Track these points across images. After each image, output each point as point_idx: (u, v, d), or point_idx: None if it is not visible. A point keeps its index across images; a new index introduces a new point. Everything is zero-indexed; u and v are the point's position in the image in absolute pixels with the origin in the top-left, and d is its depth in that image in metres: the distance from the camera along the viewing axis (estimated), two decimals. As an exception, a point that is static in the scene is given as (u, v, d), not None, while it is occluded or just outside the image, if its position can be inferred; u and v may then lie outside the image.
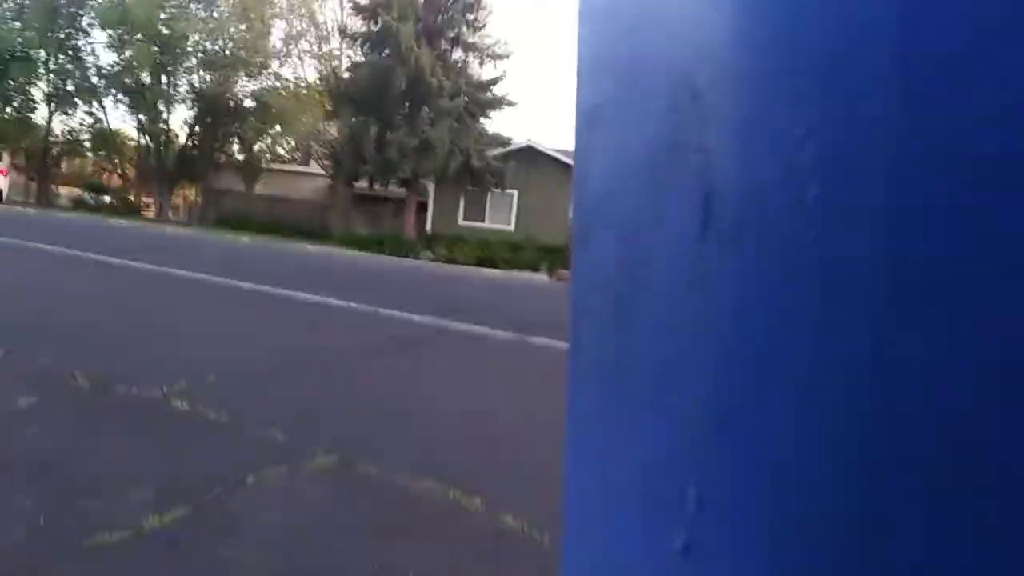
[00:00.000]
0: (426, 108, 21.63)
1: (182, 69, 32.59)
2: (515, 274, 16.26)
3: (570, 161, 21.98)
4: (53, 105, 33.90)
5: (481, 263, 18.35)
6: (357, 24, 25.03)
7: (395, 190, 25.58)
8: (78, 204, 32.66)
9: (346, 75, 25.10)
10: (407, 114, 22.31)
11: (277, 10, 30.67)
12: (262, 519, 2.00)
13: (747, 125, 0.27)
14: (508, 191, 24.10)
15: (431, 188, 24.71)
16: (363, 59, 23.95)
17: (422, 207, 25.11)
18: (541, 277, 16.19)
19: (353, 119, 22.73)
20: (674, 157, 0.30)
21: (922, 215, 0.24)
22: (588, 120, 0.40)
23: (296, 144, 33.39)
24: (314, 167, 31.24)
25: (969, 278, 0.23)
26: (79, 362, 3.38)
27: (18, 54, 32.00)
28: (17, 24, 31.80)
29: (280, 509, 2.08)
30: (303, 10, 28.70)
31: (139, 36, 30.70)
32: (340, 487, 2.28)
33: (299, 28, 29.33)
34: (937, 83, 0.23)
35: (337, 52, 27.78)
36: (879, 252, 0.24)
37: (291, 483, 2.27)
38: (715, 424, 0.28)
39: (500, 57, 24.72)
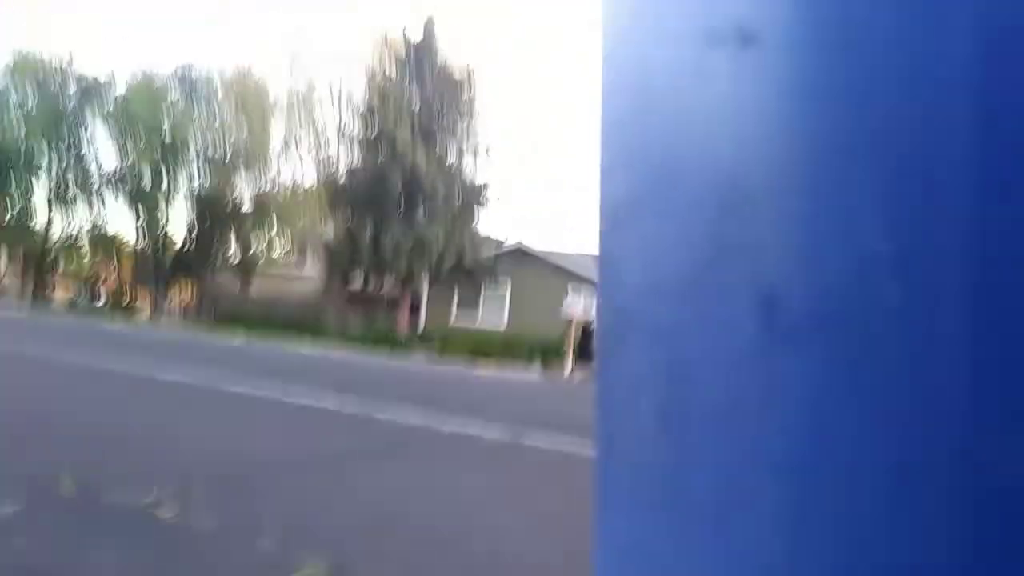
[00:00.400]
0: (421, 209, 22.05)
1: (183, 173, 33.28)
2: (508, 372, 16.18)
3: (558, 262, 22.20)
4: (52, 208, 34.39)
5: (474, 356, 18.30)
6: (355, 127, 25.79)
7: (389, 290, 25.77)
8: (72, 306, 32.69)
9: (343, 178, 25.68)
10: (402, 214, 22.72)
11: (276, 114, 31.59)
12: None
13: (813, 220, 0.26)
14: (500, 292, 24.30)
15: (425, 288, 24.91)
16: (361, 161, 24.55)
17: (415, 307, 25.25)
18: (532, 376, 16.11)
19: (350, 219, 23.12)
20: (724, 255, 0.29)
21: (1008, 311, 0.22)
22: (616, 218, 0.38)
23: (293, 246, 33.76)
24: (309, 271, 31.50)
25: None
26: (64, 467, 3.28)
27: (22, 160, 32.71)
28: (22, 131, 32.64)
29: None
30: (302, 114, 29.57)
31: (142, 142, 31.53)
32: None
33: (297, 133, 30.13)
34: (1017, 173, 0.22)
35: (334, 155, 28.44)
36: (964, 350, 0.22)
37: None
38: (785, 547, 0.25)
39: (487, 154, 25.37)
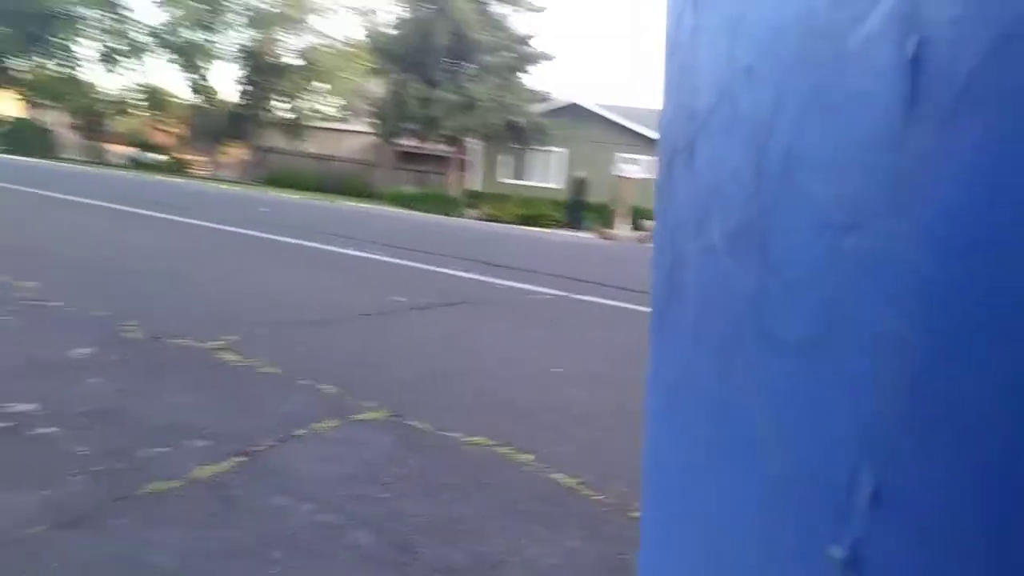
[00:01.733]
0: (468, 64, 21.39)
1: (231, 27, 32.70)
2: (560, 231, 16.13)
3: (616, 118, 21.63)
4: (103, 64, 34.36)
5: (525, 221, 18.25)
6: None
7: (440, 147, 25.52)
8: (131, 162, 33.27)
9: (390, 31, 24.92)
10: (450, 70, 22.11)
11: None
12: (314, 471, 1.99)
13: None
14: (552, 148, 23.87)
15: (476, 146, 24.61)
16: (406, 14, 23.72)
17: (466, 165, 25.05)
18: (585, 235, 16.04)
19: (396, 76, 22.63)
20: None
21: None
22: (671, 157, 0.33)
23: (342, 103, 33.48)
24: (360, 126, 31.31)
25: None
26: (132, 313, 3.42)
27: (64, 14, 32.41)
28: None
29: (331, 461, 2.07)
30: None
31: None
32: (388, 440, 2.27)
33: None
34: None
35: (380, 7, 27.54)
36: None
37: (340, 436, 2.26)
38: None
39: (538, 10, 24.32)
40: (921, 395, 0.19)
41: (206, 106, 32.77)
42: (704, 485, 0.29)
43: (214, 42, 32.33)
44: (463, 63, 21.87)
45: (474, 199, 21.02)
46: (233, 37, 32.75)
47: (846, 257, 0.21)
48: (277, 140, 32.61)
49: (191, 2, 30.45)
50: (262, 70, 32.12)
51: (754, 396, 0.25)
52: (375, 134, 27.76)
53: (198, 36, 31.86)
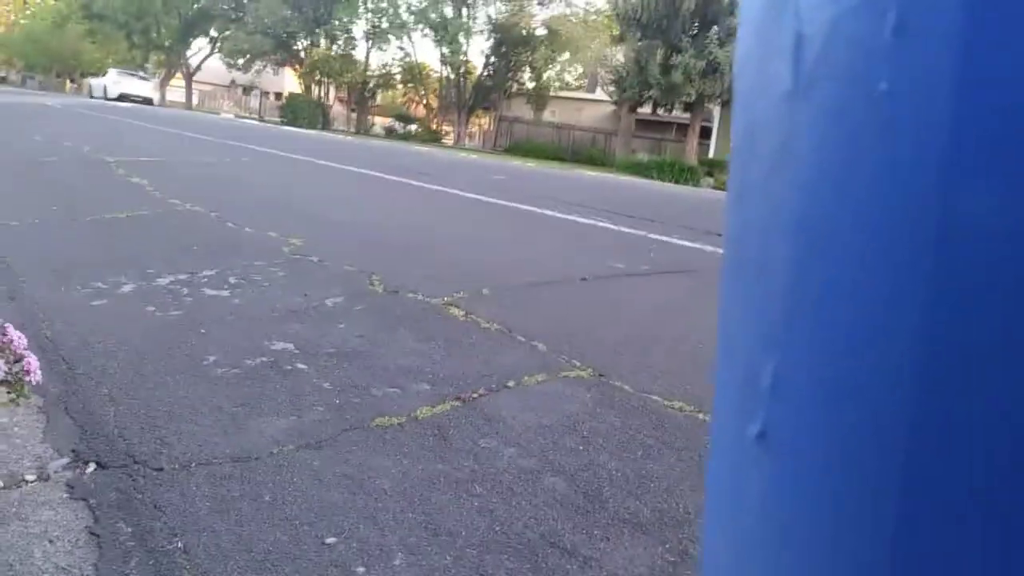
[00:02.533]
0: (715, 27, 20.58)
1: (480, 1, 34.10)
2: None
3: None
4: (370, 42, 37.37)
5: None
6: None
7: (679, 115, 24.98)
8: (389, 132, 36.09)
9: (634, -2, 24.63)
10: (695, 36, 21.45)
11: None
12: (520, 419, 2.14)
13: None
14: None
15: (716, 113, 23.79)
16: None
17: (706, 132, 24.31)
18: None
19: (639, 43, 22.38)
20: None
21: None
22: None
23: (583, 71, 33.82)
24: (600, 95, 31.45)
25: None
26: (376, 269, 3.80)
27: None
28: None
29: (536, 411, 2.20)
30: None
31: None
32: (591, 397, 2.36)
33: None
34: None
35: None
36: None
37: (547, 390, 2.39)
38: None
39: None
40: (799, 315, 0.23)
41: (455, 79, 34.58)
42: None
43: (468, 18, 33.92)
44: (709, 27, 21.14)
45: (712, 167, 20.39)
46: (482, 11, 34.19)
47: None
48: (521, 110, 33.74)
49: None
50: (509, 42, 33.24)
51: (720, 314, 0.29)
52: (615, 102, 27.77)
53: (453, 12, 33.59)
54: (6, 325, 1.64)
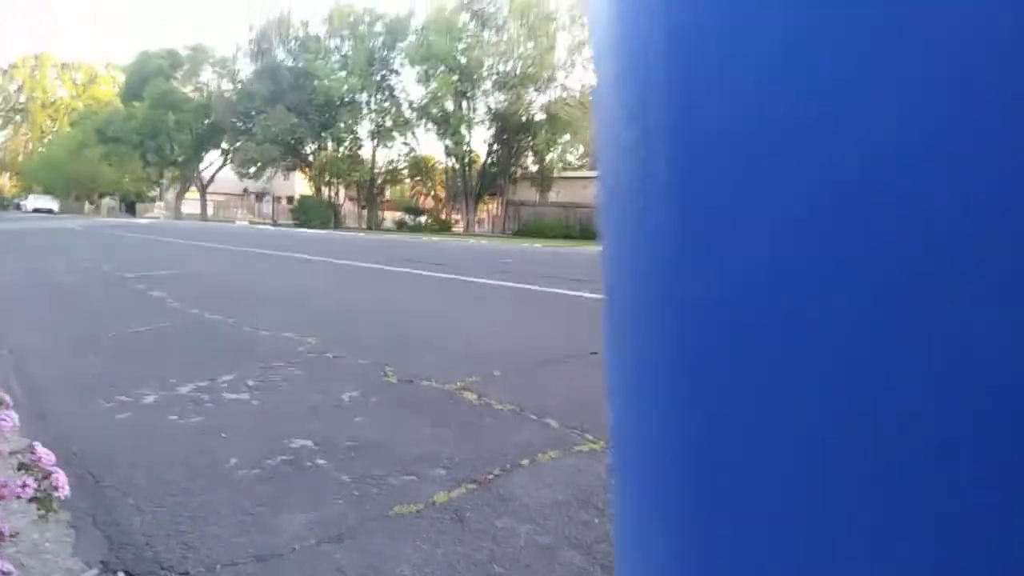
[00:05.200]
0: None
1: (479, 93, 35.27)
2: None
3: None
4: (375, 141, 38.51)
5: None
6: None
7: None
8: (400, 226, 36.77)
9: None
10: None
11: (560, 23, 31.93)
12: (535, 496, 2.17)
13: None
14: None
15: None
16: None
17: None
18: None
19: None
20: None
21: None
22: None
23: (585, 150, 34.56)
24: (602, 170, 31.98)
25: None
26: (389, 360, 3.88)
27: (345, 100, 36.75)
28: (343, 74, 36.51)
29: (551, 487, 2.24)
30: (585, 19, 29.57)
31: (441, 68, 33.71)
32: (604, 470, 2.39)
33: (581, 37, 30.33)
34: None
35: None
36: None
37: (560, 465, 2.42)
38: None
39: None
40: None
41: (460, 168, 35.43)
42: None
43: (468, 110, 34.98)
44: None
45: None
46: (482, 102, 35.28)
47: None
48: (526, 193, 34.40)
49: (443, 76, 33.30)
50: (510, 129, 34.18)
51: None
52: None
53: (453, 106, 34.70)
54: (34, 444, 1.72)
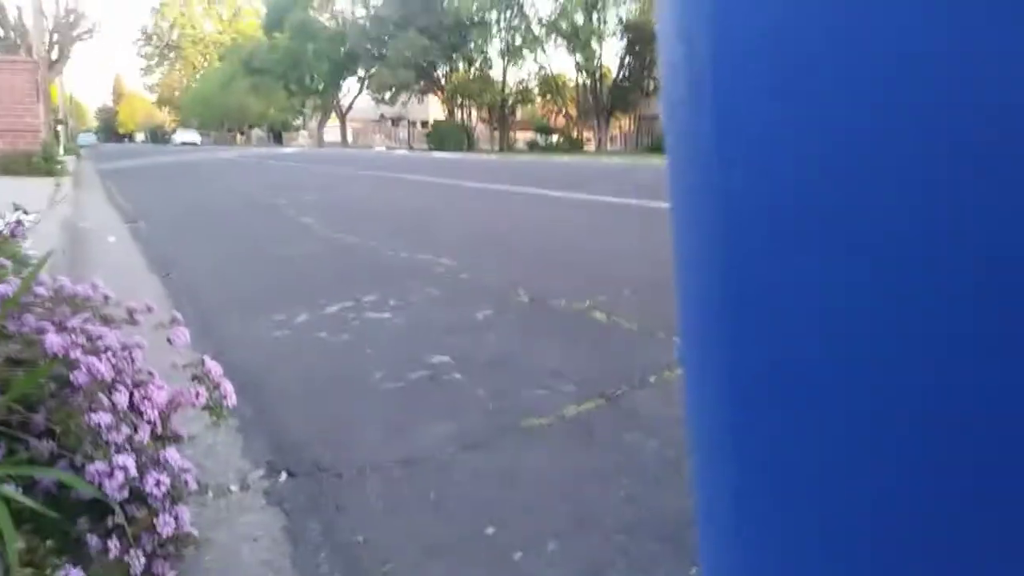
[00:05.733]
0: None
1: (610, 3, 34.06)
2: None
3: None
4: (505, 60, 38.20)
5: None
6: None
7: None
8: (531, 146, 36.65)
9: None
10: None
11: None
12: (662, 413, 2.21)
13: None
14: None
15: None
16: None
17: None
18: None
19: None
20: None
21: None
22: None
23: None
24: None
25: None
26: (521, 281, 3.97)
27: (475, 20, 36.48)
28: (472, -6, 36.05)
29: (677, 404, 2.27)
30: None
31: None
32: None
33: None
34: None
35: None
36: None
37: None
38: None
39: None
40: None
41: (592, 84, 34.67)
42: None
43: (599, 23, 33.96)
44: None
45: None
46: (614, 13, 34.13)
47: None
48: (658, 107, 33.32)
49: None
50: (642, 40, 32.96)
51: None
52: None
53: (583, 19, 33.78)
54: (204, 357, 1.92)
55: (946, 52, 0.25)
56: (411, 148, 40.59)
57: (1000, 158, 0.24)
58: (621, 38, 34.35)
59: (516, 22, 36.88)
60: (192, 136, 62.52)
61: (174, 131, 67.64)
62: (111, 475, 1.35)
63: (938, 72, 0.25)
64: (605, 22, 34.31)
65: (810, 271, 0.28)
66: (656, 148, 29.32)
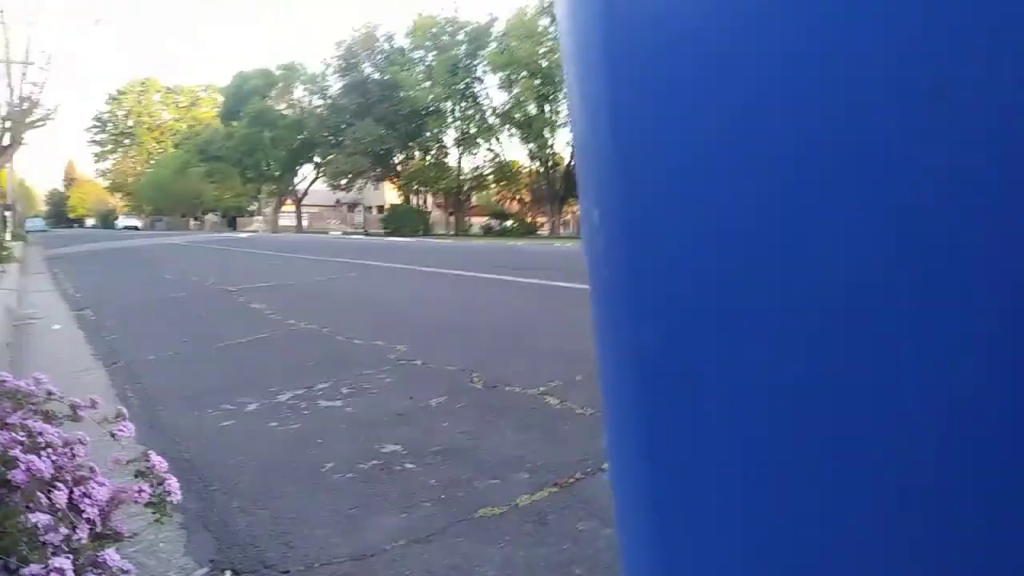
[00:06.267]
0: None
1: (561, 95, 35.28)
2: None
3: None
4: (460, 148, 39.06)
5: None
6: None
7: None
8: (487, 231, 37.14)
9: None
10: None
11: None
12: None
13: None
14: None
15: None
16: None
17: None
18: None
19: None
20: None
21: None
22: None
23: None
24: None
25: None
26: (475, 366, 3.98)
27: (430, 109, 37.39)
28: (427, 84, 37.15)
29: (631, 492, 2.27)
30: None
31: (523, 73, 33.88)
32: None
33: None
34: None
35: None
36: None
37: (642, 469, 2.45)
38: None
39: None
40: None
41: (545, 171, 35.54)
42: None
43: (550, 113, 35.07)
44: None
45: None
46: (564, 104, 35.30)
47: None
48: (611, 193, 34.22)
49: (525, 80, 33.50)
50: (593, 129, 34.02)
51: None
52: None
53: (536, 109, 34.86)
54: (148, 452, 1.87)
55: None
56: (367, 233, 40.79)
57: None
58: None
59: (471, 112, 37.91)
60: (132, 221, 71.41)
61: (116, 218, 74.53)
62: (46, 579, 1.31)
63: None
64: (557, 112, 35.46)
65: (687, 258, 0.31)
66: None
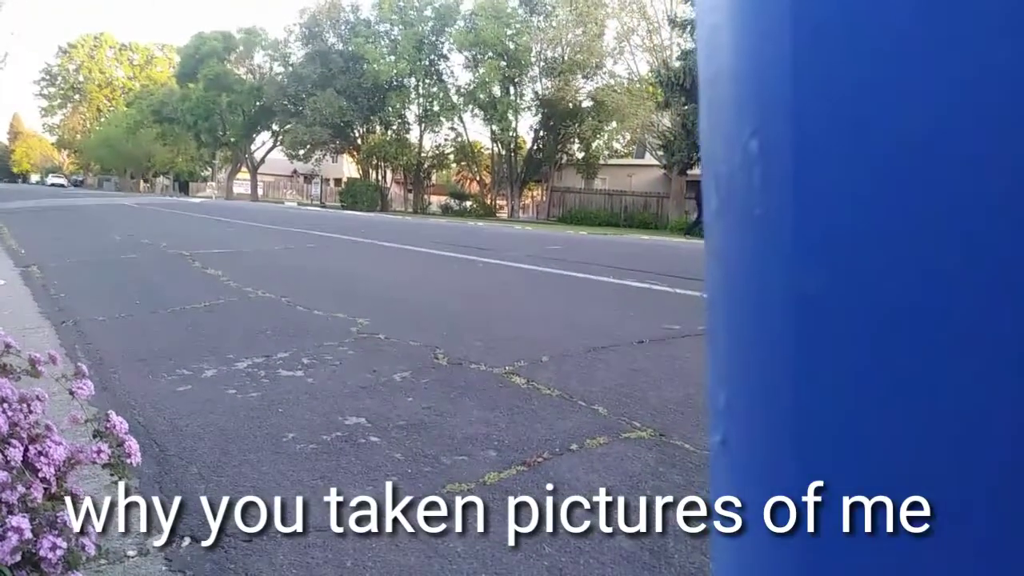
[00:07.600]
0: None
1: (527, 79, 35.19)
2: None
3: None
4: (422, 125, 38.70)
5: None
6: (686, 11, 24.92)
7: (731, 174, 25.05)
8: (445, 210, 36.95)
9: (677, 64, 25.15)
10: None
11: (609, 10, 31.60)
12: (584, 480, 2.21)
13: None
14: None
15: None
16: (690, 44, 23.79)
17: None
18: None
19: (684, 107, 22.69)
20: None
21: None
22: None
23: (631, 138, 34.30)
24: (649, 160, 31.81)
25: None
26: (439, 343, 3.94)
27: (394, 84, 36.94)
28: (391, 58, 36.69)
29: (600, 472, 2.27)
30: (634, 6, 29.34)
31: (489, 54, 33.67)
32: (652, 457, 2.41)
33: (630, 24, 30.00)
34: None
35: (667, 43, 27.87)
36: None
37: (608, 451, 2.45)
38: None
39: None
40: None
41: (507, 154, 35.44)
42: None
43: (515, 96, 34.93)
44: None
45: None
46: (529, 88, 35.21)
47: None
48: (572, 180, 34.30)
49: (491, 60, 33.29)
50: (556, 115, 34.05)
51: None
52: (664, 166, 28.04)
53: (500, 91, 34.68)
54: (108, 412, 1.80)
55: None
56: (323, 205, 40.24)
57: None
58: (536, 112, 35.39)
59: (435, 90, 37.54)
60: (59, 179, 69.24)
61: (47, 175, 73.89)
62: (3, 537, 1.24)
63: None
64: (522, 96, 35.35)
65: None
66: (566, 219, 30.04)
